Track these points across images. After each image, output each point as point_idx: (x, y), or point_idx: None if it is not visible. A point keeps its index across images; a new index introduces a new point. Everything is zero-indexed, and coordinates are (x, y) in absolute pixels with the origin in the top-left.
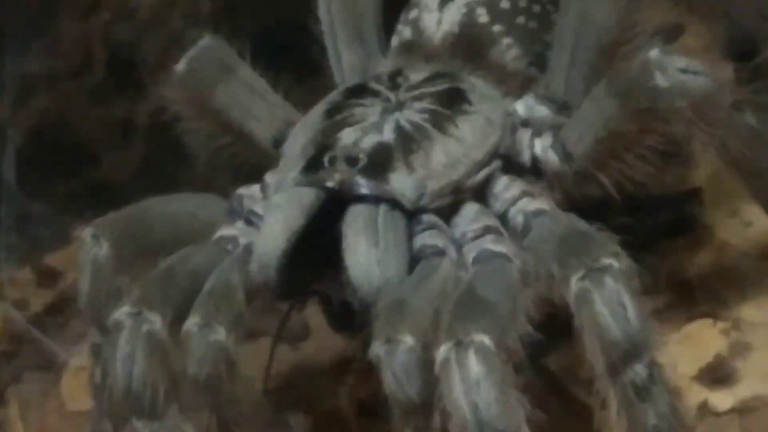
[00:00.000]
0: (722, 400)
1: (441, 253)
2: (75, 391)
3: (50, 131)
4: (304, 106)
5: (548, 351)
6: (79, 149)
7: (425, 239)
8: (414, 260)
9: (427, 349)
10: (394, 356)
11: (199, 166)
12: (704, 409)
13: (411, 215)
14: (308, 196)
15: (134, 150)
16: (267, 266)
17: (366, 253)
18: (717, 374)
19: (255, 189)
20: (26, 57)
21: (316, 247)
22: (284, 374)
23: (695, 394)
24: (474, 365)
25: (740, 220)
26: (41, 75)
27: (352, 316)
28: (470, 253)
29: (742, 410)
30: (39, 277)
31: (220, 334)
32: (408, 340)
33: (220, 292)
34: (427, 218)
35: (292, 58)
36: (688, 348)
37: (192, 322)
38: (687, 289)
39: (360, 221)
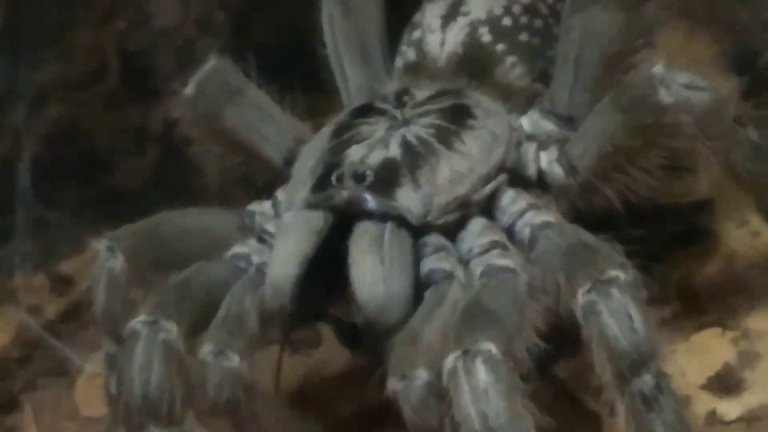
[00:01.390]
0: (730, 409)
1: (450, 276)
2: (89, 397)
3: (65, 139)
4: (312, 116)
5: (557, 359)
6: (93, 157)
7: (433, 263)
8: (422, 284)
9: (440, 376)
10: (411, 391)
11: (211, 183)
12: (712, 417)
13: (418, 232)
14: (318, 219)
15: (148, 157)
16: (280, 293)
17: (371, 270)
18: (725, 383)
19: (266, 206)
20: (41, 65)
21: (328, 269)
22: (296, 381)
23: (703, 403)
24: (482, 373)
25: (749, 231)
26: (56, 83)
27: (360, 335)
28: (477, 268)
29: (749, 419)
30: (53, 284)
31: (234, 361)
32: (423, 374)
33: (234, 318)
34: (434, 239)
35: (302, 68)
36: (696, 357)
37: (207, 350)
38: (696, 298)
39: (366, 238)
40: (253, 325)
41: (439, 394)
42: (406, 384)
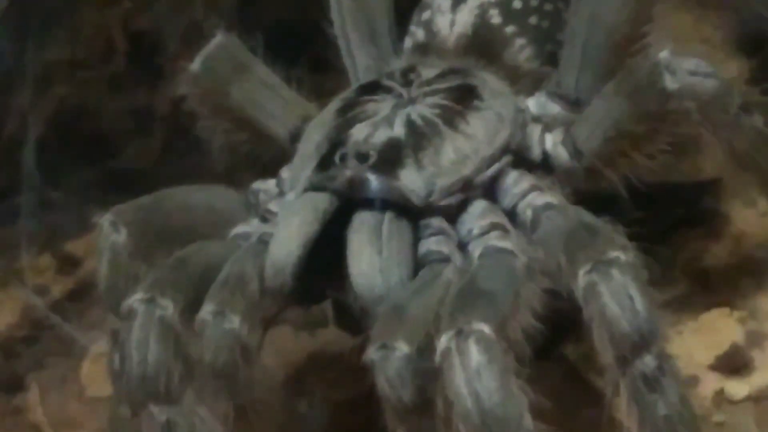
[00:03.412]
0: (738, 388)
1: (446, 259)
2: (95, 377)
3: (70, 119)
4: (318, 96)
5: (563, 341)
6: (99, 137)
7: (431, 245)
8: (419, 265)
9: (422, 354)
10: (388, 362)
11: (217, 160)
12: (720, 397)
13: (419, 215)
14: (322, 201)
15: (154, 138)
16: (282, 272)
17: (369, 261)
18: (733, 363)
19: (271, 184)
20: (47, 46)
21: (329, 251)
22: (301, 362)
23: (711, 383)
24: (475, 354)
25: (757, 211)
26: (62, 63)
27: (358, 323)
28: (476, 249)
29: (757, 398)
30: (59, 264)
31: (235, 322)
32: (402, 347)
33: (235, 281)
34: (434, 222)
35: (310, 47)
36: (704, 337)
37: (207, 310)
38: (704, 278)
39: (365, 229)
40: (255, 290)
41: (417, 371)
42: (384, 354)
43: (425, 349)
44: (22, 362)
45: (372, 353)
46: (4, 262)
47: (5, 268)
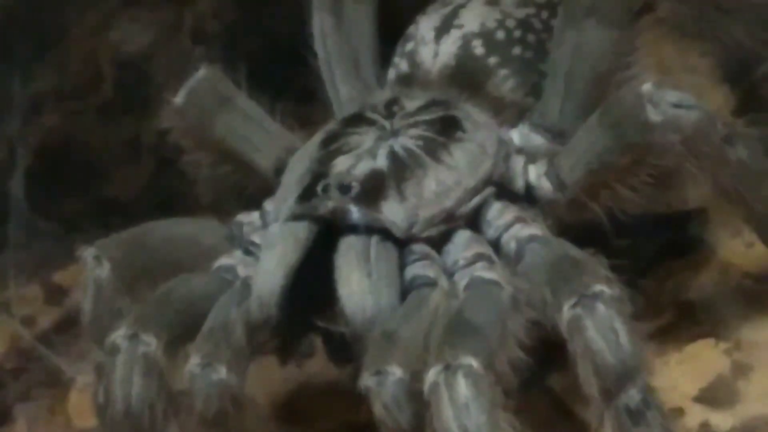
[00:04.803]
0: (723, 420)
1: (432, 283)
2: (82, 408)
3: (58, 149)
4: (303, 126)
5: (549, 372)
6: (87, 167)
7: (417, 270)
8: (406, 290)
9: (416, 378)
10: (384, 387)
11: (203, 192)
12: (705, 429)
13: (403, 244)
14: (302, 230)
15: (142, 167)
16: (266, 304)
17: (358, 284)
18: (718, 394)
19: (255, 216)
20: (34, 75)
21: (313, 280)
22: (288, 392)
23: (696, 415)
24: (463, 388)
25: (743, 241)
26: (49, 93)
27: (349, 348)
28: (462, 280)
29: (743, 431)
30: (47, 294)
31: (222, 372)
32: (396, 371)
33: (220, 330)
34: (419, 248)
35: (294, 77)
36: (689, 368)
37: (194, 363)
38: (689, 309)
39: (352, 253)
40: (240, 337)
41: (413, 395)
42: (380, 380)
43: (418, 374)
44: (9, 393)
45: (367, 379)
46: None
47: None
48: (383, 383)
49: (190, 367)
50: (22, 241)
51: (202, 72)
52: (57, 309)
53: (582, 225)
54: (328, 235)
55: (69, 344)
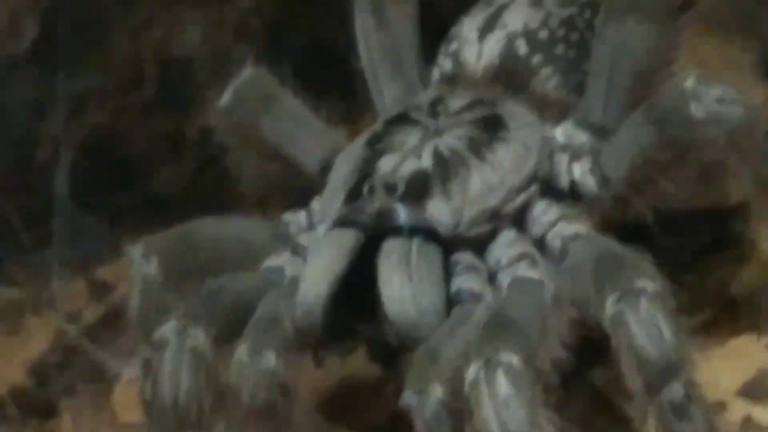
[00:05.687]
0: (765, 414)
1: (477, 297)
2: (127, 403)
3: (102, 146)
4: (349, 121)
5: (590, 367)
6: (130, 164)
7: (462, 282)
8: (451, 301)
9: (457, 393)
10: (425, 406)
11: (248, 191)
12: (747, 423)
13: (449, 245)
14: (348, 238)
15: (185, 164)
16: (311, 312)
17: (400, 287)
18: (761, 389)
19: (301, 215)
20: (79, 74)
21: (359, 286)
22: (331, 388)
23: (739, 409)
24: (503, 384)
25: None
26: (93, 91)
27: (391, 350)
28: (505, 279)
29: None
30: (91, 290)
31: (271, 360)
32: (438, 391)
33: (268, 320)
34: (465, 257)
35: (338, 73)
36: (731, 362)
37: (243, 351)
38: (731, 304)
39: (394, 256)
40: (288, 327)
41: (453, 411)
42: (421, 399)
43: (459, 387)
44: (54, 388)
45: (408, 398)
46: (37, 288)
47: (38, 294)
48: (424, 402)
49: (239, 356)
50: (66, 238)
51: (247, 72)
52: (101, 304)
53: (626, 222)
54: (373, 239)
55: (113, 339)
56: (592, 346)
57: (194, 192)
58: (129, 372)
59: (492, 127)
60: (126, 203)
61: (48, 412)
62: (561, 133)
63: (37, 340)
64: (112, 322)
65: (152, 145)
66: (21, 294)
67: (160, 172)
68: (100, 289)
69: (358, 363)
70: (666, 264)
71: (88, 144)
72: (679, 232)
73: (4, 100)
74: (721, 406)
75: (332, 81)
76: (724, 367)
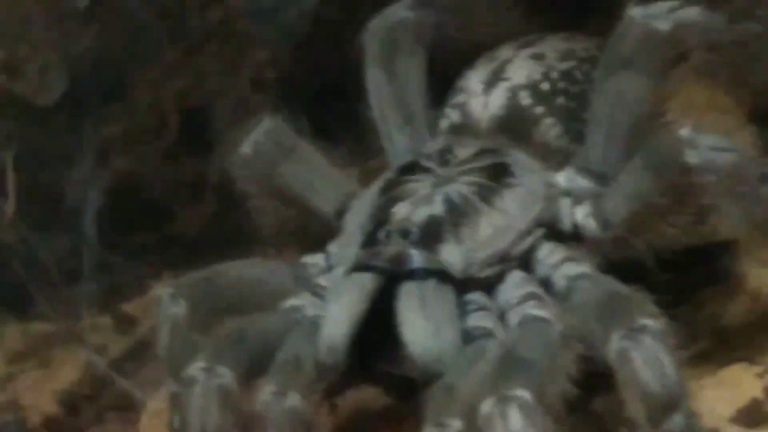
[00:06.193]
0: None
1: (489, 334)
2: (153, 431)
3: (127, 189)
4: (362, 163)
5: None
6: (154, 206)
7: (475, 321)
8: (466, 337)
9: (473, 428)
10: None
11: (267, 235)
12: None
13: (461, 286)
14: (367, 282)
15: (205, 206)
16: (335, 351)
17: (421, 328)
18: (753, 416)
19: (319, 258)
20: (105, 122)
21: (377, 326)
22: (347, 415)
23: None
24: (516, 419)
25: None
26: (118, 138)
27: (410, 386)
28: (514, 318)
29: None
30: (117, 324)
31: (296, 400)
32: (456, 424)
33: (292, 361)
34: (477, 297)
35: (351, 119)
36: (725, 391)
37: (268, 392)
38: (723, 335)
39: (412, 299)
40: (311, 367)
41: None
42: (439, 427)
43: (475, 420)
44: (83, 417)
45: (429, 426)
46: (67, 323)
47: (68, 328)
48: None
49: (265, 396)
50: (94, 275)
51: (265, 123)
52: (127, 338)
53: (626, 261)
54: (389, 282)
55: (139, 371)
56: (595, 377)
57: (214, 233)
58: (154, 402)
59: (499, 174)
60: (149, 243)
61: None
62: (563, 179)
63: (67, 371)
64: (137, 354)
65: (174, 188)
66: (51, 328)
67: (181, 214)
68: (125, 323)
69: (373, 395)
70: (661, 298)
71: (114, 188)
72: (673, 268)
73: (37, 148)
74: None
75: (344, 127)
76: (718, 396)
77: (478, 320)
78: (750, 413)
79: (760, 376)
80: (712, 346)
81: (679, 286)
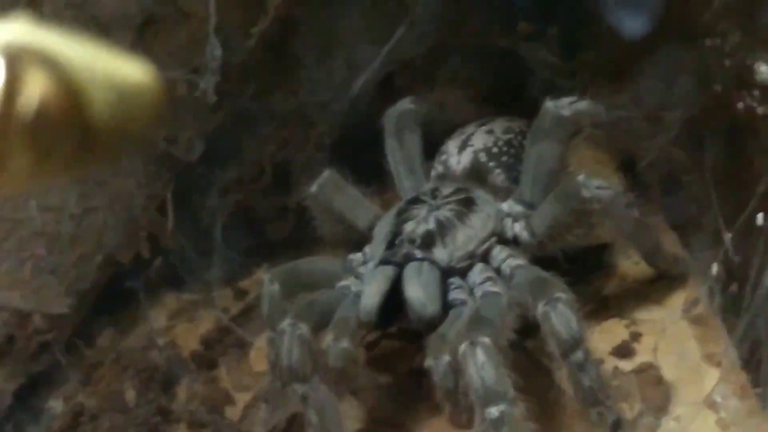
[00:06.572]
0: (626, 365)
1: (464, 303)
2: (258, 360)
3: (240, 213)
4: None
5: (526, 339)
6: (257, 223)
7: (455, 294)
8: (449, 305)
9: (455, 360)
10: (438, 366)
11: (326, 241)
12: (616, 371)
13: (445, 273)
14: (389, 271)
15: (288, 223)
16: (369, 313)
17: (416, 287)
18: (623, 351)
19: (358, 256)
20: (225, 171)
21: (394, 299)
22: (376, 354)
23: (611, 363)
24: (480, 355)
25: (632, 262)
26: (234, 181)
27: (417, 336)
28: (478, 292)
29: (637, 371)
30: (235, 294)
31: (346, 343)
32: (446, 358)
33: (343, 320)
34: (455, 280)
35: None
36: (606, 336)
37: (329, 338)
38: (604, 301)
39: (413, 270)
40: (355, 324)
41: (455, 369)
42: (436, 362)
43: (456, 356)
44: (215, 351)
45: (429, 362)
46: (205, 294)
47: (205, 297)
48: (438, 364)
49: (327, 341)
50: (221, 265)
51: (325, 173)
52: (241, 303)
53: (545, 257)
54: (402, 272)
55: (249, 324)
56: (528, 327)
57: (294, 240)
58: (259, 343)
59: (468, 204)
60: (254, 246)
61: (212, 366)
62: (507, 206)
63: (204, 324)
64: (247, 314)
65: (269, 212)
66: (195, 297)
67: (274, 228)
68: (240, 294)
69: (393, 342)
70: (567, 279)
71: (232, 212)
72: (573, 261)
73: (185, 188)
74: (601, 361)
75: (372, 175)
76: (602, 339)
77: (456, 294)
78: (621, 349)
79: (627, 326)
80: (597, 309)
81: (577, 272)
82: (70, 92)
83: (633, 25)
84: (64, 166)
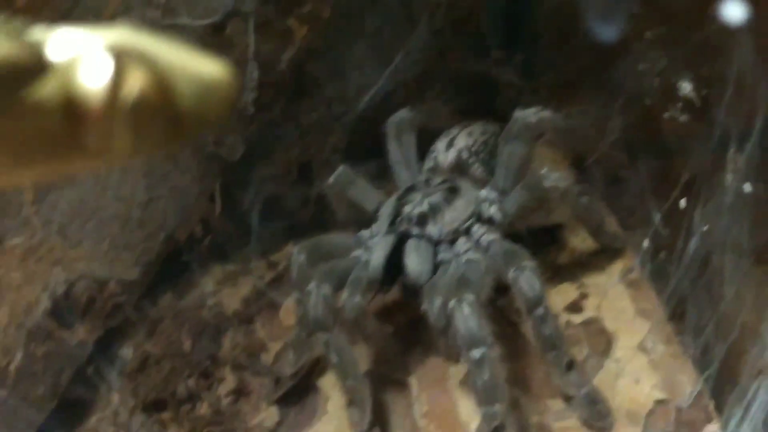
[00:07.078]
0: (577, 318)
1: (449, 262)
2: (287, 317)
3: (273, 200)
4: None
5: (499, 297)
6: (287, 208)
7: (443, 255)
8: (438, 264)
9: (446, 304)
10: (433, 308)
11: (341, 221)
12: (568, 323)
13: (437, 243)
14: (390, 239)
15: (311, 207)
16: (376, 271)
17: (415, 262)
18: (574, 308)
19: (367, 232)
20: (261, 168)
21: (396, 262)
22: (382, 306)
23: (564, 317)
24: (466, 309)
25: (581, 238)
26: (268, 176)
27: (412, 291)
28: (462, 259)
29: (585, 324)
30: (268, 265)
31: (359, 298)
32: (437, 301)
33: (356, 280)
34: (444, 247)
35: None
36: (560, 296)
37: (345, 295)
38: (559, 269)
39: (412, 246)
40: (366, 283)
41: (445, 312)
42: (430, 306)
43: (446, 303)
44: (252, 310)
45: (425, 305)
46: (244, 264)
47: (244, 267)
48: (432, 306)
49: (344, 297)
50: (257, 241)
51: (341, 168)
52: (273, 271)
53: (515, 233)
54: (401, 242)
55: (280, 287)
56: (501, 288)
57: (315, 222)
58: (287, 302)
59: (454, 191)
60: (283, 227)
61: (250, 321)
62: (484, 193)
63: (244, 287)
64: (278, 279)
65: (295, 201)
66: (237, 267)
67: (299, 212)
68: (272, 265)
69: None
70: (531, 251)
71: (267, 199)
72: (535, 236)
73: (229, 181)
74: (556, 316)
75: (378, 170)
76: (558, 299)
77: (444, 255)
78: (572, 306)
79: (577, 288)
80: (554, 275)
81: (538, 245)
82: (162, 85)
83: (582, 53)
84: (156, 146)
